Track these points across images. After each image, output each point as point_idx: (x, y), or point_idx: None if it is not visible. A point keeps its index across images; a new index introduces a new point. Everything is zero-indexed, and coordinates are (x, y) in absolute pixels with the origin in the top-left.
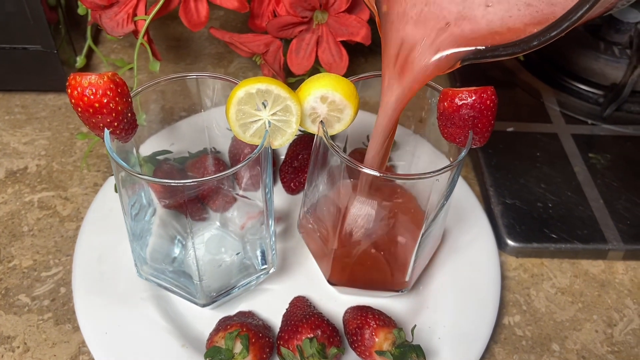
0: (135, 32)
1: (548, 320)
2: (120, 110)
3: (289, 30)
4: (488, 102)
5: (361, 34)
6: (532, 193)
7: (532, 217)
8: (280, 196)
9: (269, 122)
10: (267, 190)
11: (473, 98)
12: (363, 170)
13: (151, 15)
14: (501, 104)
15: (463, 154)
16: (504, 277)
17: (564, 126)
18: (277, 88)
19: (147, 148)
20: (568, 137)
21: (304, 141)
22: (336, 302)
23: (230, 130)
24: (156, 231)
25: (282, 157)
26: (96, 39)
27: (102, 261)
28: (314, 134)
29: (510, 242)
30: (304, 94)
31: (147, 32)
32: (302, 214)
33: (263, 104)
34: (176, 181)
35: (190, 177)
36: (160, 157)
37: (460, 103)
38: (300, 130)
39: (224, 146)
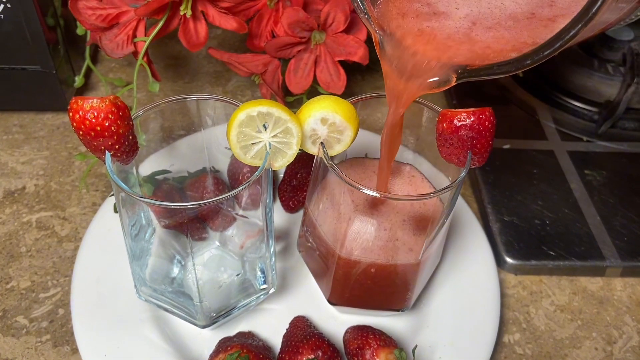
0: (134, 53)
1: (548, 338)
2: (122, 134)
3: (287, 50)
4: (486, 123)
5: (359, 54)
6: (529, 210)
7: (529, 234)
8: (279, 215)
9: (270, 144)
10: (267, 209)
11: (471, 119)
12: (364, 191)
13: (151, 37)
14: (497, 121)
15: (462, 174)
16: (503, 295)
17: (559, 143)
18: (278, 110)
19: (147, 167)
20: (564, 154)
21: (302, 159)
22: (336, 321)
23: (230, 149)
24: (155, 251)
25: (281, 175)
26: (94, 58)
27: (101, 282)
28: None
29: (508, 260)
30: (305, 116)
31: (146, 52)
32: (302, 233)
33: (264, 126)
34: (177, 204)
35: (189, 196)
36: (160, 177)
37: (459, 124)
38: (299, 150)
39: (223, 165)
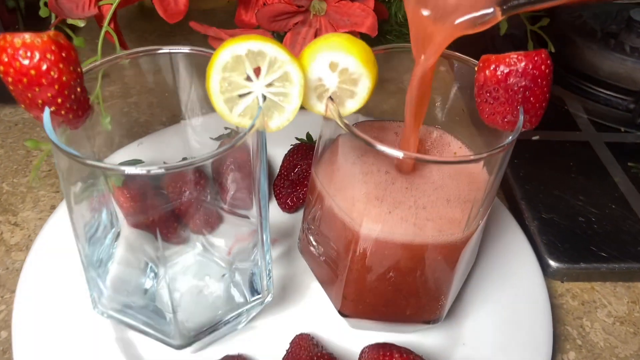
0: (99, 18)
1: (610, 357)
2: (66, 82)
3: (282, 21)
4: (543, 67)
5: (366, 24)
6: (570, 206)
7: (574, 233)
8: (275, 215)
9: (263, 95)
10: (261, 199)
11: (524, 63)
12: (391, 153)
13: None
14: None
15: (511, 137)
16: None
17: (595, 134)
18: (273, 48)
19: (116, 160)
20: (602, 145)
21: (302, 150)
22: (350, 339)
23: (214, 139)
24: (122, 257)
25: (276, 170)
26: None
27: (52, 298)
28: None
29: (553, 264)
30: (308, 60)
31: (114, 19)
32: (304, 231)
33: (255, 71)
34: (135, 168)
35: (165, 192)
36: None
37: (508, 70)
38: (297, 139)
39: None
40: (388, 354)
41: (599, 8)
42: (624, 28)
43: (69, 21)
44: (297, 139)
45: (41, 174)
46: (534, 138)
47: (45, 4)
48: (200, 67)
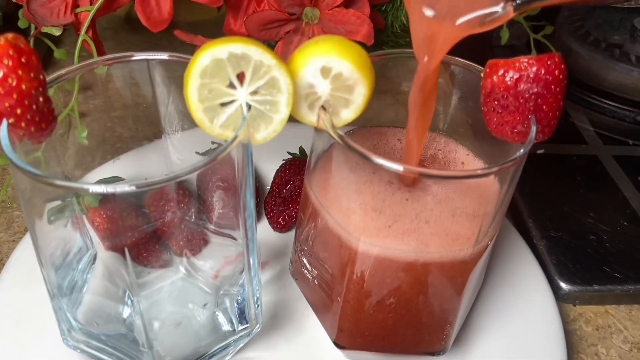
0: (76, 26)
1: None
2: (25, 91)
3: (273, 30)
4: (556, 72)
5: (362, 32)
6: (580, 224)
7: (585, 253)
8: (266, 235)
9: (248, 104)
10: (247, 219)
11: (535, 68)
12: (393, 168)
13: (97, 5)
14: None
15: (522, 150)
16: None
17: (602, 147)
18: (258, 51)
19: (92, 179)
20: (609, 159)
21: (294, 165)
22: None
23: (201, 154)
24: (99, 283)
25: (267, 187)
26: (46, 61)
27: (22, 326)
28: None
29: (564, 286)
30: (298, 65)
31: (92, 27)
32: (296, 252)
33: (238, 77)
34: (99, 186)
35: (147, 213)
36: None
37: (518, 76)
38: (289, 154)
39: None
40: None
41: (601, 18)
42: (628, 38)
43: (44, 29)
44: (289, 153)
45: (16, 194)
46: (539, 152)
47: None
48: (180, 75)
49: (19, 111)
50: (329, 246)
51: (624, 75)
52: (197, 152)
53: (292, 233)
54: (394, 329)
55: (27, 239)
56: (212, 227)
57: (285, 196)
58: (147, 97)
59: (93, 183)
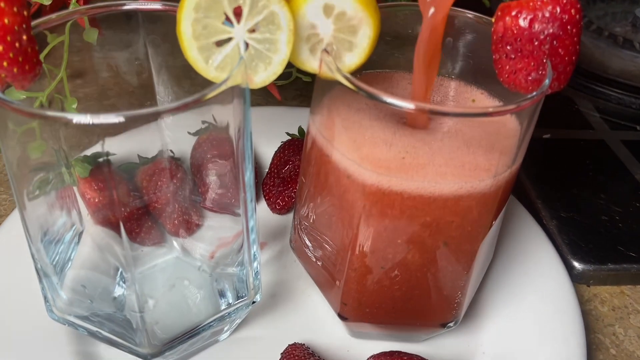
0: None
1: None
2: (8, 26)
3: None
4: (572, 11)
5: None
6: (591, 205)
7: (598, 232)
8: (264, 217)
9: (245, 43)
10: (246, 190)
11: (550, 7)
12: (403, 106)
13: None
14: None
15: (535, 93)
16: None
17: (609, 132)
18: None
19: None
20: (618, 143)
21: (293, 145)
22: (350, 350)
23: (192, 134)
24: (87, 259)
25: (266, 170)
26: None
27: (7, 305)
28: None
29: (578, 265)
30: (298, 2)
31: None
32: (296, 225)
33: (235, 13)
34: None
35: (139, 188)
36: (101, 159)
37: (532, 15)
38: (287, 134)
39: (184, 150)
40: None
41: (602, 10)
42: (630, 29)
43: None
44: (287, 134)
45: (4, 177)
46: (545, 136)
47: None
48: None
49: (0, 48)
50: (335, 197)
51: (628, 62)
52: (189, 132)
53: (291, 215)
54: (403, 293)
55: (10, 220)
56: (208, 204)
57: (284, 176)
58: (139, 59)
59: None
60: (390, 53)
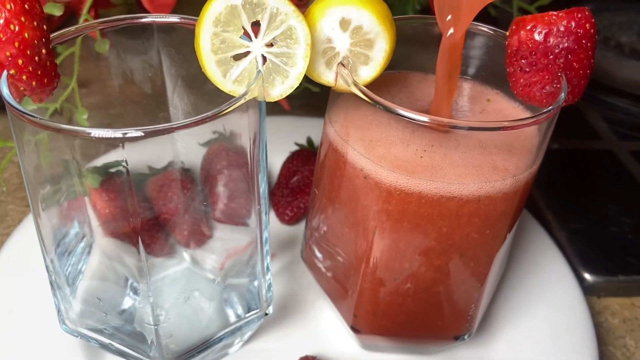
0: (76, 8)
1: None
2: (28, 40)
3: None
4: (587, 25)
5: None
6: (600, 215)
7: (608, 243)
8: (273, 228)
9: (263, 57)
10: (261, 203)
11: (565, 21)
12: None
13: None
14: None
15: (551, 107)
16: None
17: (618, 143)
18: None
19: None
20: (626, 154)
21: (302, 156)
22: None
23: (202, 144)
24: (97, 270)
25: (274, 180)
26: None
27: (18, 317)
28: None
29: (588, 277)
30: (315, 16)
31: (94, 7)
32: (307, 237)
33: (253, 28)
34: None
35: (149, 199)
36: (113, 170)
37: (547, 30)
38: (296, 145)
39: (195, 161)
40: None
41: (608, 19)
42: (635, 39)
43: (45, 9)
44: (296, 144)
45: (12, 187)
46: (553, 147)
47: None
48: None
49: (20, 62)
50: (350, 202)
51: (635, 72)
52: (199, 143)
53: (300, 226)
54: (416, 304)
55: (20, 230)
56: (218, 215)
57: (293, 187)
58: (153, 70)
59: (97, 166)
60: (406, 54)
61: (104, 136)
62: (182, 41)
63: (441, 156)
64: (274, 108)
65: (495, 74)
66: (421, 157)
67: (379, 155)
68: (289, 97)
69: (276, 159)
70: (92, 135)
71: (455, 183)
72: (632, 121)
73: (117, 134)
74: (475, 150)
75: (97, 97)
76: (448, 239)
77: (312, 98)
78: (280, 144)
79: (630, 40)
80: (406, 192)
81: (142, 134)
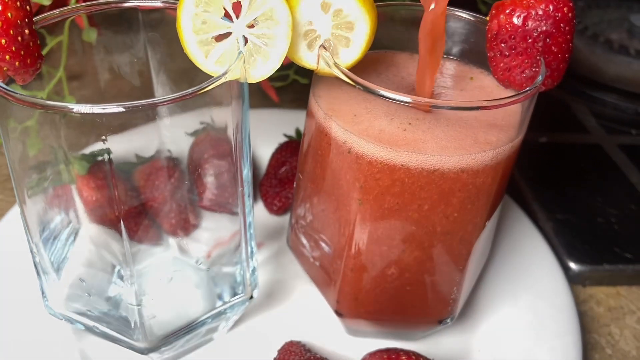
0: None
1: None
2: (11, 20)
3: None
4: (565, 9)
5: None
6: (587, 207)
7: (594, 234)
8: (261, 217)
9: (244, 38)
10: (244, 186)
11: (543, 5)
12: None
13: None
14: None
15: (528, 88)
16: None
17: (606, 137)
18: None
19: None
20: (614, 148)
21: (291, 147)
22: (347, 347)
23: (189, 134)
24: (83, 257)
25: (263, 171)
26: None
27: (4, 300)
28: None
29: (573, 266)
30: (296, 0)
31: None
32: (293, 224)
33: (234, 8)
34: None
35: (136, 187)
36: (100, 158)
37: (526, 13)
38: (285, 136)
39: (182, 149)
40: (394, 357)
41: (598, 17)
42: (625, 36)
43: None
44: (285, 135)
45: (1, 178)
46: (541, 140)
47: None
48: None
49: (3, 41)
50: (334, 180)
51: (623, 67)
52: (186, 133)
53: (288, 216)
54: (396, 296)
55: (6, 218)
56: (205, 203)
57: (281, 177)
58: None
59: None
60: (393, 35)
61: (84, 111)
62: (168, 32)
63: (424, 130)
64: (264, 101)
65: (480, 54)
66: (405, 130)
67: (362, 128)
68: (278, 90)
69: (265, 151)
70: (73, 110)
71: (438, 155)
72: (620, 116)
73: (97, 109)
74: (457, 124)
75: (89, 90)
76: (430, 216)
77: (301, 92)
78: (269, 136)
79: (619, 37)
80: (389, 166)
81: (123, 109)
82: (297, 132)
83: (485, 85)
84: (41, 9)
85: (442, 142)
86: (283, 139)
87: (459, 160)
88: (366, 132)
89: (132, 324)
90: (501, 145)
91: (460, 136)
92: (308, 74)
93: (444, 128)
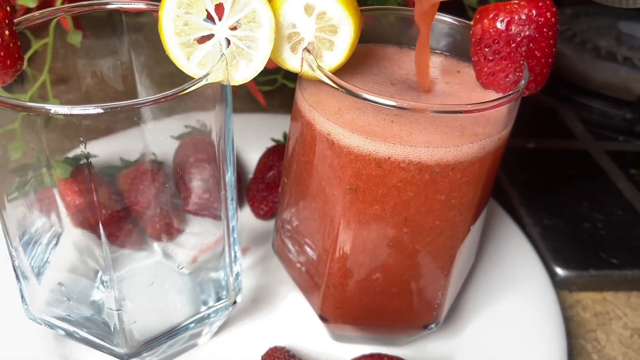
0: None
1: None
2: None
3: None
4: (548, 14)
5: None
6: (574, 212)
7: (580, 239)
8: (248, 222)
9: (227, 40)
10: (227, 189)
11: (527, 10)
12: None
13: None
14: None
15: (511, 91)
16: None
17: (593, 143)
18: None
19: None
20: (601, 153)
21: (278, 151)
22: (332, 353)
23: (175, 137)
24: (65, 261)
25: (250, 176)
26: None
27: None
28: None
29: (560, 271)
30: (279, 2)
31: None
32: (278, 228)
33: (217, 10)
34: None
35: (120, 191)
36: (82, 162)
37: (509, 18)
38: (272, 140)
39: (167, 153)
40: None
41: (587, 24)
42: (614, 43)
43: (19, 1)
44: (273, 140)
45: None
46: (529, 146)
47: None
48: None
49: None
50: (319, 177)
51: (611, 74)
52: (172, 136)
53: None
54: (380, 301)
55: None
56: (190, 207)
57: (268, 182)
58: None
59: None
60: (383, 30)
61: (63, 112)
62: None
63: (411, 122)
64: (252, 105)
65: (463, 49)
66: (392, 121)
67: (348, 120)
68: (266, 95)
69: (253, 155)
70: (51, 111)
71: (424, 147)
72: (608, 122)
73: (77, 110)
74: (444, 117)
75: (74, 94)
76: (415, 213)
77: (289, 96)
78: (257, 140)
79: (607, 44)
80: (375, 158)
81: (102, 110)
82: (285, 136)
83: (471, 80)
84: (28, 11)
85: (429, 134)
86: (271, 144)
87: (445, 152)
88: (351, 123)
89: (112, 329)
90: (488, 137)
91: (448, 129)
92: (296, 78)
93: (431, 120)
